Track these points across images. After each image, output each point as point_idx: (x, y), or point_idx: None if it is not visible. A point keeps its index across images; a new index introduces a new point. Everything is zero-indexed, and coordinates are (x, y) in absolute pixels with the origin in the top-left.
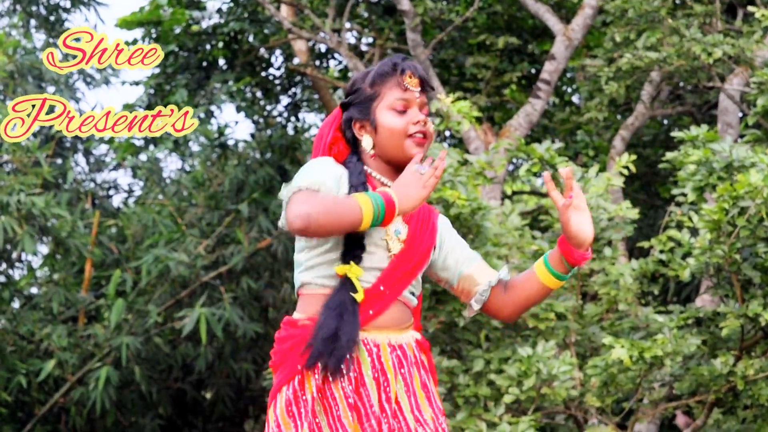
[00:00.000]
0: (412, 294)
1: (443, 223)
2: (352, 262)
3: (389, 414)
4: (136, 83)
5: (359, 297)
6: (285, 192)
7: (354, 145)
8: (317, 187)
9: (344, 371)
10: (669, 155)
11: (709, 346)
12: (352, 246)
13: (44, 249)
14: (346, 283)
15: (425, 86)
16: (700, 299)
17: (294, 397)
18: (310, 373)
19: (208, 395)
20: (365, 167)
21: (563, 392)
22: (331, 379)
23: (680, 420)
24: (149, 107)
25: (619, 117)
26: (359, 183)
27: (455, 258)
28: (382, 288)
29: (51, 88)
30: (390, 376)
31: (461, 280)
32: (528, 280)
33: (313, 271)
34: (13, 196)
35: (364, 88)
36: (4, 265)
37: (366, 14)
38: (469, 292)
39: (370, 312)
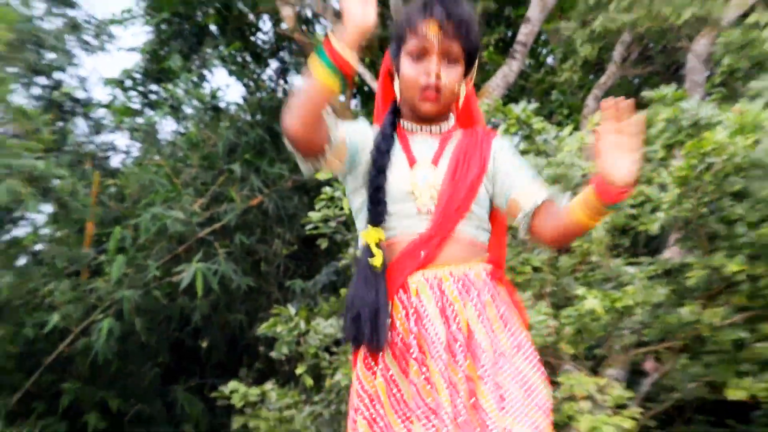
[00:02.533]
0: (477, 228)
1: (499, 147)
2: (369, 226)
3: (462, 341)
4: (132, 49)
5: (376, 262)
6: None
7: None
8: (334, 127)
9: (381, 343)
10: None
11: (677, 295)
12: (373, 206)
13: (48, 208)
14: (366, 251)
15: (449, 29)
16: (668, 251)
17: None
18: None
19: (204, 344)
20: (399, 118)
21: (539, 339)
22: (375, 353)
23: (649, 365)
24: (146, 73)
25: (591, 77)
26: (386, 147)
27: (503, 182)
28: (434, 232)
29: (51, 55)
30: (458, 305)
31: (509, 204)
32: (567, 212)
33: (358, 223)
34: (17, 160)
35: (398, 24)
36: (9, 225)
37: None
38: (515, 218)
39: (422, 254)
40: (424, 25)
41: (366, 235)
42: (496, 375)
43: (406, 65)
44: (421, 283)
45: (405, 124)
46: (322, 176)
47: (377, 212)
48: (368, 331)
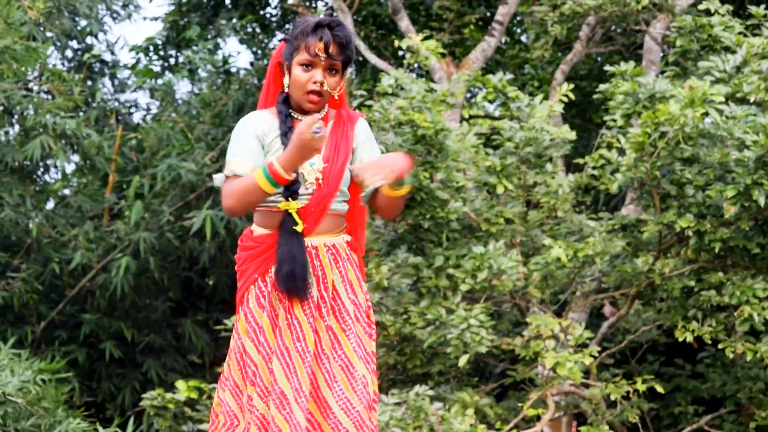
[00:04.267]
0: (342, 203)
1: (361, 130)
2: (290, 199)
3: (328, 299)
4: (155, 19)
5: (299, 228)
6: (217, 180)
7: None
8: (237, 167)
9: (307, 296)
10: (602, 87)
11: (633, 247)
12: (288, 185)
13: (76, 158)
14: (288, 217)
15: (332, 51)
16: (626, 209)
17: (259, 293)
18: (267, 277)
19: (211, 282)
20: (290, 110)
21: (510, 284)
22: (301, 301)
23: (607, 310)
24: (166, 40)
25: (560, 54)
26: (287, 129)
27: (360, 160)
28: (312, 209)
29: (83, 22)
30: (327, 270)
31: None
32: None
33: None
34: (49, 118)
35: (291, 37)
36: (41, 172)
37: None
38: (361, 191)
39: (304, 226)
40: (314, 44)
41: (287, 205)
42: (355, 327)
43: (297, 71)
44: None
45: (295, 115)
46: None
47: (293, 189)
48: (300, 285)
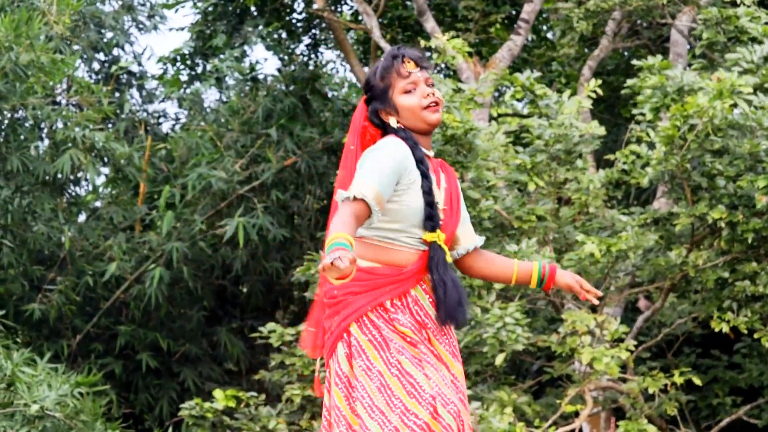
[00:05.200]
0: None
1: (458, 185)
2: (438, 230)
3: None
4: (181, 29)
5: (449, 258)
6: (342, 193)
7: (383, 129)
8: (369, 193)
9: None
10: (630, 81)
11: (665, 240)
12: (431, 216)
13: (106, 170)
14: (437, 247)
15: (422, 63)
16: (657, 202)
17: (372, 326)
18: (378, 309)
19: (244, 290)
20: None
21: None
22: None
23: (642, 304)
24: (194, 49)
25: (586, 50)
26: (421, 156)
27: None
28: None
29: (109, 34)
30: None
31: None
32: (503, 267)
33: (378, 232)
34: (79, 131)
35: (377, 83)
36: (71, 186)
37: None
38: (451, 247)
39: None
40: (404, 67)
41: (434, 236)
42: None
43: (405, 99)
44: (420, 290)
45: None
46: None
47: (435, 221)
48: (461, 310)
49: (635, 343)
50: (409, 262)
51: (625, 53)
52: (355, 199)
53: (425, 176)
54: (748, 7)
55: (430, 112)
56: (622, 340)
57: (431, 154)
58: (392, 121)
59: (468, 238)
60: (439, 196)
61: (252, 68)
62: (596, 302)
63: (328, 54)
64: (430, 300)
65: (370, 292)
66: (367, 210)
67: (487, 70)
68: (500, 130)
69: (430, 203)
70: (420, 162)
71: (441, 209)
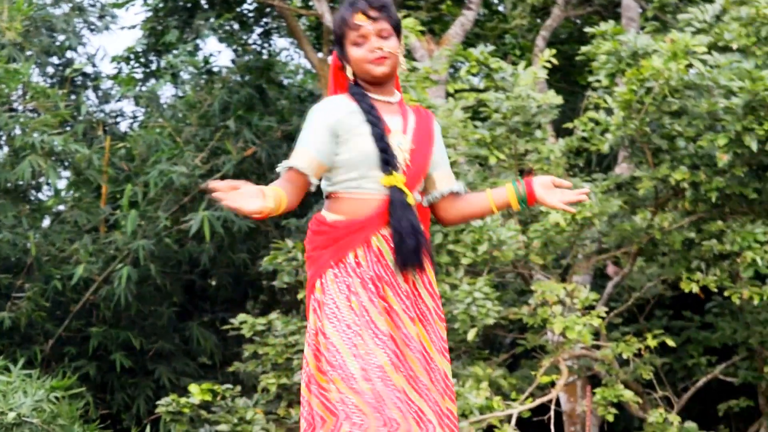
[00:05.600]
0: (416, 193)
1: (437, 130)
2: (394, 172)
3: (411, 290)
4: (133, 27)
5: (411, 200)
6: (279, 169)
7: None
8: (297, 160)
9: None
10: (583, 48)
11: (629, 205)
12: (385, 160)
13: (67, 173)
14: (396, 190)
15: (373, 14)
16: (619, 167)
17: (334, 278)
18: (344, 263)
19: (213, 283)
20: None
21: (510, 254)
22: (417, 269)
23: (610, 270)
24: (147, 47)
25: (539, 21)
26: (370, 108)
27: (432, 160)
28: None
29: (61, 37)
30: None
31: (428, 178)
32: (479, 201)
33: (340, 185)
34: (37, 137)
35: (336, 32)
36: (33, 191)
37: None
38: (426, 190)
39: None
40: (354, 18)
41: (392, 179)
42: (432, 318)
43: (354, 51)
44: (383, 243)
45: (372, 95)
46: None
47: (391, 162)
48: (418, 255)
49: (606, 309)
50: (371, 209)
51: (578, 21)
52: (289, 168)
53: (373, 124)
54: None
55: (375, 65)
56: (593, 308)
57: (394, 99)
58: (348, 71)
59: (444, 182)
60: (403, 140)
61: (206, 61)
62: (585, 198)
63: (281, 42)
64: (390, 247)
65: (332, 245)
66: (300, 175)
67: (440, 48)
68: (457, 106)
69: (383, 149)
70: (369, 111)
71: (407, 151)
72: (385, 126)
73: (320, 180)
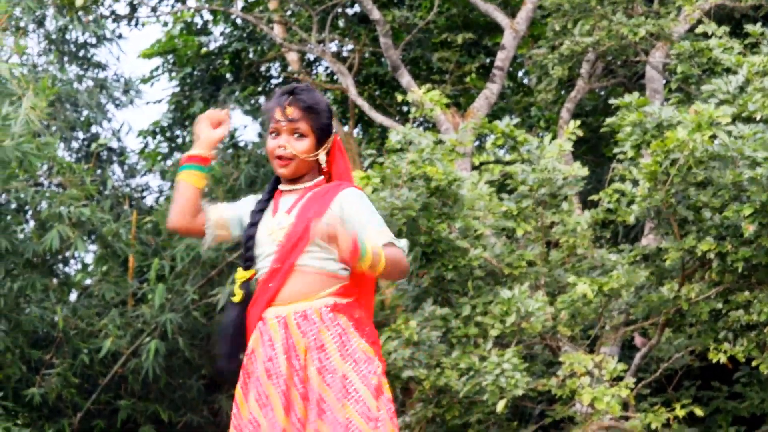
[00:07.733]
0: (324, 260)
1: (345, 195)
2: (239, 268)
3: (299, 367)
4: (158, 101)
5: (236, 299)
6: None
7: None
8: (217, 204)
9: (233, 377)
10: (608, 120)
11: (656, 276)
12: (244, 252)
13: (94, 247)
14: (244, 286)
15: (301, 114)
16: (645, 239)
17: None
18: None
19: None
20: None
21: (539, 325)
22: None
23: (638, 341)
24: (172, 120)
25: (563, 93)
26: (263, 196)
27: (351, 226)
28: (278, 265)
29: (86, 112)
30: (297, 339)
31: None
32: None
33: None
34: (64, 209)
35: (265, 111)
36: (61, 265)
37: (344, 25)
38: None
39: (270, 286)
40: (275, 111)
41: (237, 275)
42: (324, 393)
43: (269, 140)
44: (271, 321)
45: (281, 186)
46: None
47: (246, 257)
48: (224, 364)
49: (635, 380)
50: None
51: (602, 93)
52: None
53: (251, 221)
54: (720, 38)
55: (277, 163)
56: (621, 379)
57: (301, 186)
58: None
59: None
60: (285, 218)
61: (232, 135)
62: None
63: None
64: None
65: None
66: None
67: (465, 120)
68: (482, 178)
69: (246, 245)
70: (258, 204)
71: (286, 227)
72: (275, 207)
73: (212, 230)
